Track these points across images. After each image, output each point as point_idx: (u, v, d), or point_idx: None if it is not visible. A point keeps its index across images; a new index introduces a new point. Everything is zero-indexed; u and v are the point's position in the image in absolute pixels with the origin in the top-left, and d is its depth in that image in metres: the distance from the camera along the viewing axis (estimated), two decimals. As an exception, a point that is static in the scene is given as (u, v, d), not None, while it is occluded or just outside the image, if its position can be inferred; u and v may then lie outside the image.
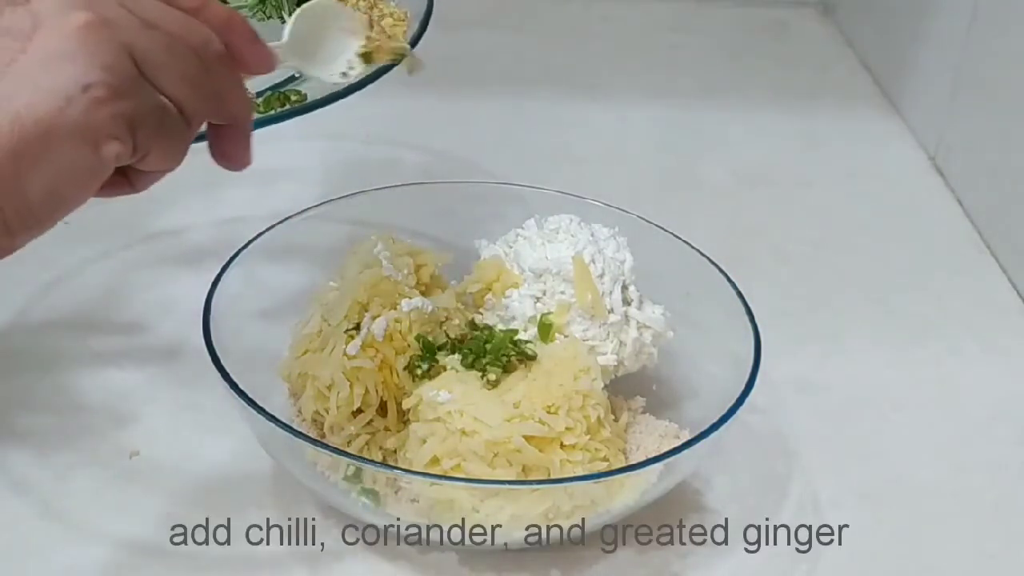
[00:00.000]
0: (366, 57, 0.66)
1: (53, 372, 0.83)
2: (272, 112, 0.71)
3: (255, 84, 0.73)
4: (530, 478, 0.68)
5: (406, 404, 0.71)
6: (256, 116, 0.70)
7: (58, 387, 0.81)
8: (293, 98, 0.73)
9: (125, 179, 0.54)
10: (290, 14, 0.76)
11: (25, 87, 0.49)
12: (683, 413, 0.77)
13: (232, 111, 0.56)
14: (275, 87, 0.75)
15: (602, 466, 0.70)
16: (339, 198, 0.83)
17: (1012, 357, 0.91)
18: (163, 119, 0.52)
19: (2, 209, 0.49)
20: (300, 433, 0.70)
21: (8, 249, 0.51)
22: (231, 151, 0.58)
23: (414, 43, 0.74)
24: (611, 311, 0.75)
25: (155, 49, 0.51)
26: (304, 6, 0.64)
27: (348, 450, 0.71)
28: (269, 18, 0.77)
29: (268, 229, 0.80)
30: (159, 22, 0.52)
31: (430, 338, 0.73)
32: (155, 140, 0.52)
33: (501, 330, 0.75)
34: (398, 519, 0.69)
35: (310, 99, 0.72)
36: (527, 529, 0.68)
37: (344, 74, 0.65)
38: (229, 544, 0.71)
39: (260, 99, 0.73)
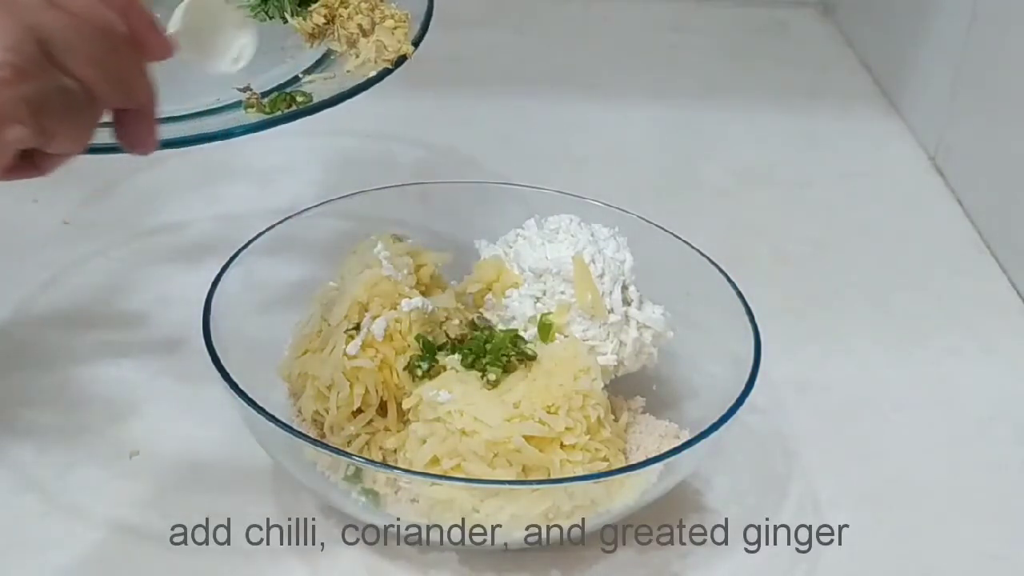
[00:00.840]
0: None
1: (53, 370, 0.83)
2: (279, 113, 0.71)
3: (260, 85, 0.74)
4: (530, 478, 0.68)
5: (406, 404, 0.71)
6: (264, 118, 0.70)
7: (58, 385, 0.81)
8: (299, 99, 0.73)
9: (30, 162, 0.53)
10: (293, 15, 0.76)
11: None
12: (683, 413, 0.77)
13: (137, 95, 0.55)
14: (280, 87, 0.75)
15: (602, 466, 0.70)
16: (339, 198, 0.83)
17: (1012, 357, 0.91)
18: (69, 101, 0.51)
19: None
20: (300, 433, 0.70)
21: None
22: (136, 135, 0.57)
23: (416, 44, 0.74)
24: (611, 311, 0.75)
25: (61, 30, 0.50)
26: (186, 4, 0.64)
27: (348, 450, 0.71)
28: (271, 18, 0.77)
29: (268, 228, 0.80)
30: (64, 2, 0.51)
31: (430, 338, 0.73)
32: (61, 123, 0.51)
33: (501, 330, 0.75)
34: (398, 519, 0.69)
35: (316, 100, 0.72)
36: (527, 529, 0.68)
37: (235, 61, 0.66)
38: (229, 544, 0.71)
39: (267, 100, 0.73)
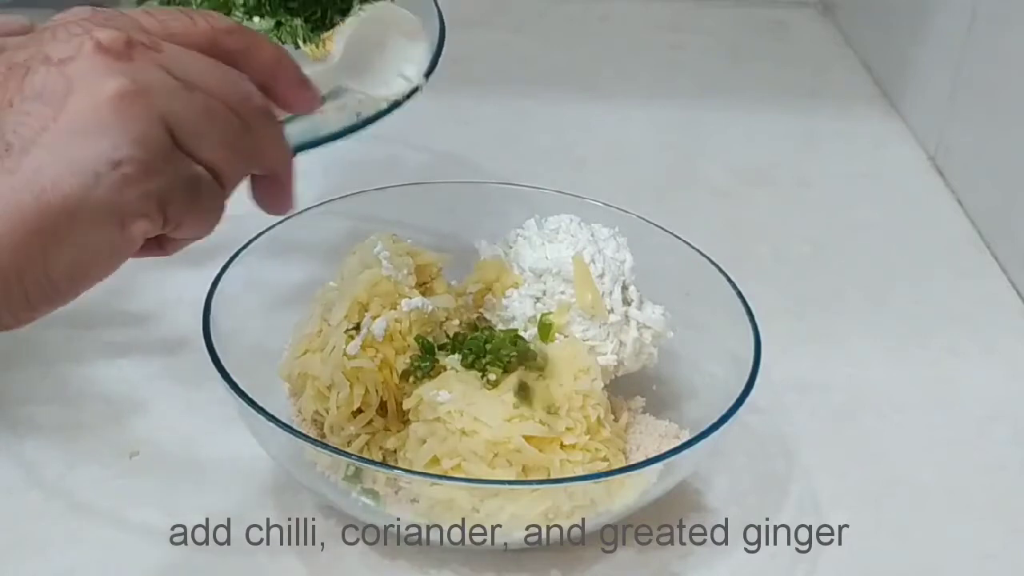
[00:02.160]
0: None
1: (53, 370, 0.83)
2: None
3: None
4: (530, 478, 0.68)
5: (406, 404, 0.71)
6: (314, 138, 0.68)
7: (58, 385, 0.81)
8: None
9: (156, 244, 0.52)
10: (305, 41, 0.75)
11: (54, 160, 0.46)
12: (683, 413, 0.77)
13: (271, 165, 0.54)
14: (290, 117, 0.75)
15: (602, 466, 0.70)
16: (339, 198, 0.83)
17: (1012, 357, 0.91)
18: (197, 190, 0.50)
19: (24, 283, 0.47)
20: (300, 433, 0.70)
21: (26, 320, 0.49)
22: (271, 200, 0.56)
23: (427, 75, 0.73)
24: (611, 311, 0.75)
25: (192, 115, 0.49)
26: (360, 16, 0.62)
27: (348, 450, 0.71)
28: (283, 43, 0.77)
29: (268, 229, 0.80)
30: (199, 81, 0.49)
31: (430, 338, 0.73)
32: (188, 212, 0.50)
33: (501, 330, 0.75)
34: (398, 519, 0.69)
35: (324, 133, 0.71)
36: (527, 529, 0.68)
37: (404, 79, 0.63)
38: (229, 544, 0.71)
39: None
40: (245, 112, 0.51)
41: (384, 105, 0.69)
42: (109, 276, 0.50)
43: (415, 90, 0.69)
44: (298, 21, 0.77)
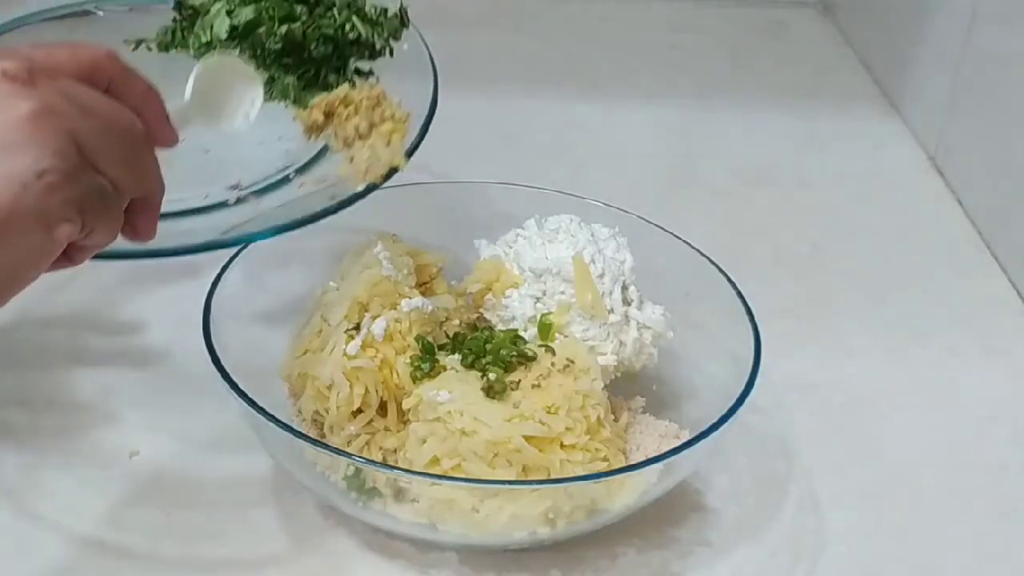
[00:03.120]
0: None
1: (53, 371, 0.83)
2: (263, 231, 0.72)
3: (252, 178, 0.74)
4: (530, 478, 0.68)
5: (406, 404, 0.71)
6: (249, 233, 0.71)
7: (59, 386, 0.81)
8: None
9: (64, 255, 0.56)
10: (295, 102, 0.77)
11: None
12: (683, 413, 0.77)
13: (150, 185, 0.59)
14: (271, 186, 0.76)
15: (602, 466, 0.70)
16: (339, 198, 0.83)
17: (1012, 357, 0.91)
18: (105, 198, 0.55)
19: None
20: (300, 433, 0.70)
21: None
22: (141, 224, 0.60)
23: (410, 154, 0.74)
24: (611, 311, 0.75)
25: (94, 134, 0.54)
26: (202, 63, 0.67)
27: (348, 450, 0.71)
28: (275, 99, 0.78)
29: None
30: (92, 107, 0.55)
31: (430, 338, 0.73)
32: (99, 218, 0.55)
33: (501, 330, 0.75)
34: (398, 519, 0.69)
35: (300, 216, 0.72)
36: (527, 529, 0.68)
37: (246, 117, 0.68)
38: (229, 544, 0.71)
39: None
40: (131, 136, 0.57)
41: (361, 187, 0.71)
42: (34, 280, 0.55)
43: (394, 170, 0.71)
44: (291, 79, 0.78)
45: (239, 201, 0.74)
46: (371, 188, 0.72)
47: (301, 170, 0.77)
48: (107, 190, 0.55)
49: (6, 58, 0.54)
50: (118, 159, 0.56)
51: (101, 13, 0.89)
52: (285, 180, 0.76)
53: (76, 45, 0.58)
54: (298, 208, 0.73)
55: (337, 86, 0.76)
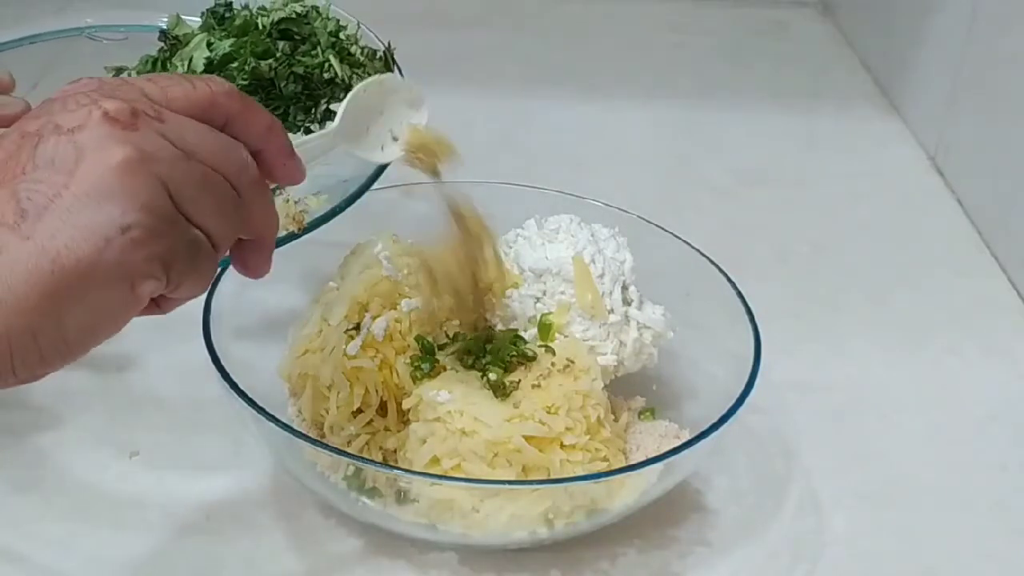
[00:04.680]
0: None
1: (49, 378, 0.82)
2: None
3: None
4: (530, 478, 0.68)
5: (406, 404, 0.71)
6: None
7: (59, 386, 0.81)
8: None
9: (154, 303, 0.55)
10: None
11: (67, 226, 0.49)
12: (683, 413, 0.77)
13: (258, 231, 0.57)
14: None
15: (602, 466, 0.70)
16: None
17: (1012, 357, 0.91)
18: (195, 253, 0.52)
19: (38, 341, 0.50)
20: (300, 433, 0.70)
21: (40, 375, 0.52)
22: (252, 263, 0.58)
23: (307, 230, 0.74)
24: (611, 311, 0.75)
25: (192, 183, 0.51)
26: (359, 86, 0.63)
27: (348, 450, 0.71)
28: None
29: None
30: (197, 149, 0.52)
31: (430, 338, 0.73)
32: (188, 273, 0.53)
33: (501, 330, 0.75)
34: (398, 519, 0.69)
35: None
36: (527, 529, 0.68)
37: (384, 146, 0.65)
38: (229, 544, 0.71)
39: None
40: (239, 181, 0.54)
41: (283, 233, 0.70)
42: (118, 332, 0.53)
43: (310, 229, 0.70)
44: None
45: None
46: (293, 235, 0.71)
47: None
48: (199, 244, 0.52)
49: (112, 96, 0.52)
50: (217, 209, 0.53)
51: (104, 39, 0.89)
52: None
53: (194, 79, 0.55)
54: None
55: (304, 125, 0.76)
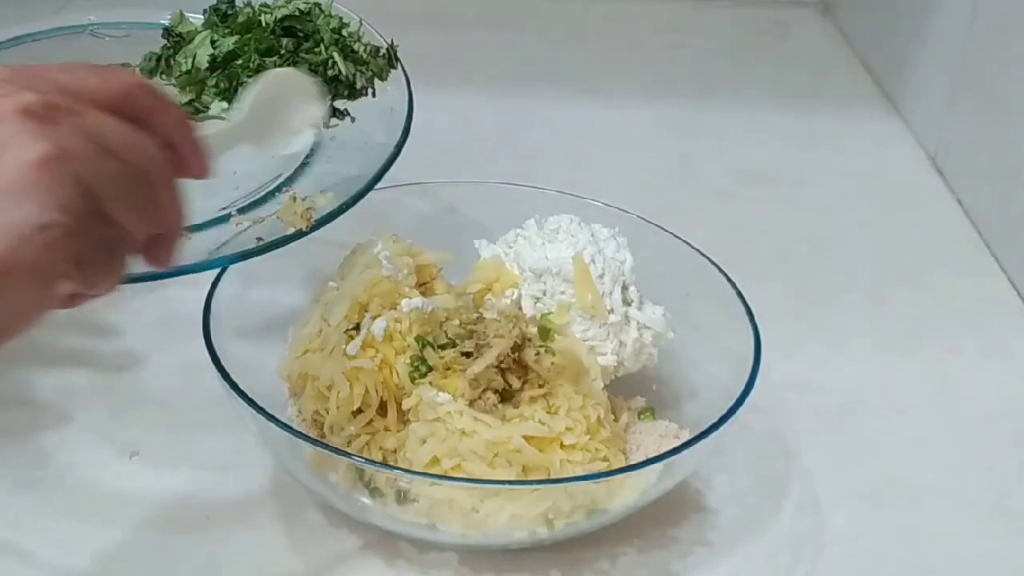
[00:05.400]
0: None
1: (53, 370, 0.83)
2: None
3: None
4: (530, 478, 0.68)
5: (406, 404, 0.71)
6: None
7: (58, 385, 0.81)
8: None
9: (67, 298, 0.53)
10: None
11: None
12: (683, 413, 0.77)
13: (169, 223, 0.56)
14: (209, 223, 0.74)
15: (602, 466, 0.70)
16: (339, 198, 0.83)
17: (1012, 357, 0.91)
18: (110, 252, 0.52)
19: None
20: (300, 433, 0.70)
21: None
22: (160, 256, 0.57)
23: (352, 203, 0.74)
24: (611, 311, 0.75)
25: (109, 181, 0.51)
26: (260, 78, 0.64)
27: (348, 450, 0.71)
28: None
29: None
30: (114, 145, 0.51)
31: (430, 338, 0.73)
32: (101, 273, 0.52)
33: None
34: (398, 519, 0.69)
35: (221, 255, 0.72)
36: (527, 529, 0.68)
37: (284, 141, 0.65)
38: (229, 544, 0.71)
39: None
40: (153, 177, 0.53)
41: (291, 230, 0.71)
42: (28, 330, 0.51)
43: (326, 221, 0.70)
44: None
45: None
46: (301, 233, 0.71)
47: (244, 210, 0.74)
48: (114, 242, 0.52)
49: (28, 87, 0.50)
50: (133, 205, 0.52)
51: (107, 36, 0.89)
52: (224, 218, 0.75)
53: (107, 72, 0.54)
54: (228, 247, 0.71)
55: None
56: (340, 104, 0.80)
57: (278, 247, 0.71)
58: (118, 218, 0.52)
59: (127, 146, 0.52)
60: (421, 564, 0.71)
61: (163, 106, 0.55)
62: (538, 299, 0.76)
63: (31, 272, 0.48)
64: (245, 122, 0.63)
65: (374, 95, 0.81)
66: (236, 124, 0.63)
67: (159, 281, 0.66)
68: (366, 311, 0.74)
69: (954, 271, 1.00)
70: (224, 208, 0.74)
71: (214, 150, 0.58)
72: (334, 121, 0.78)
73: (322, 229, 0.76)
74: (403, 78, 0.82)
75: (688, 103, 1.21)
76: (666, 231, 0.83)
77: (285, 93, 0.65)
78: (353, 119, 0.80)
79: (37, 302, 0.50)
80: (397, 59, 0.82)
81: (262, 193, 0.76)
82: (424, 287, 0.77)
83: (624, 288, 0.76)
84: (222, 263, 0.72)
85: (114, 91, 0.53)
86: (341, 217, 0.74)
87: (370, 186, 0.74)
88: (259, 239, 0.71)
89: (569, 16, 1.36)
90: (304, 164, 0.78)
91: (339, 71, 0.79)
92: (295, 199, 0.72)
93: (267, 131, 0.64)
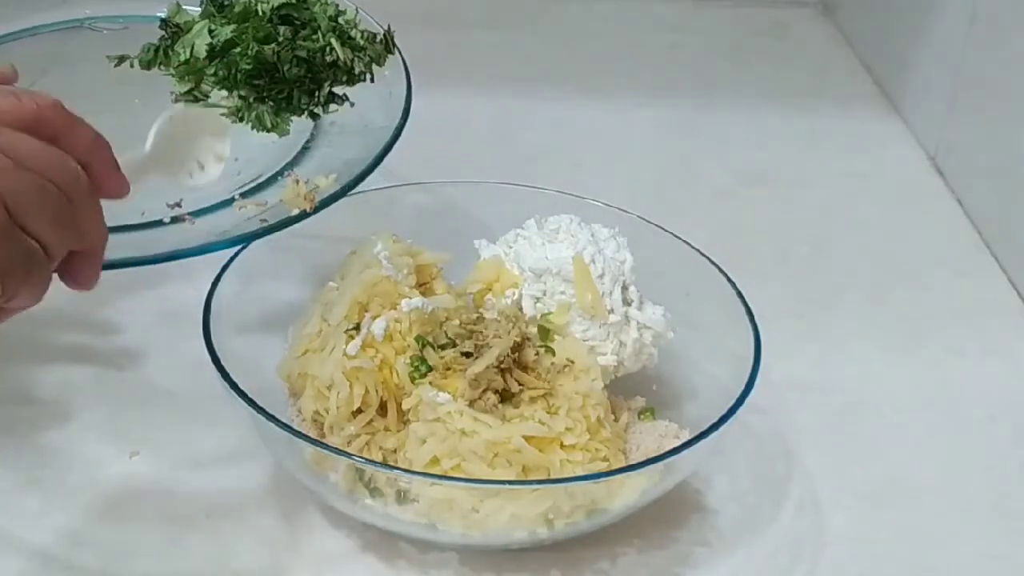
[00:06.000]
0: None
1: (54, 369, 0.83)
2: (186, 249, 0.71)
3: (195, 201, 0.73)
4: (530, 478, 0.68)
5: (406, 404, 0.71)
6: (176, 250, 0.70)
7: (58, 385, 0.81)
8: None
9: None
10: (271, 128, 0.76)
11: None
12: (683, 413, 0.77)
13: (91, 240, 0.56)
14: (211, 208, 0.74)
15: (602, 466, 0.70)
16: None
17: (1012, 357, 0.91)
18: (31, 263, 0.52)
19: None
20: (300, 433, 0.70)
21: None
22: (80, 274, 0.57)
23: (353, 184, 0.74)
24: (611, 311, 0.75)
25: (27, 193, 0.51)
26: (168, 113, 0.65)
27: (348, 450, 0.71)
28: (248, 126, 0.77)
29: (269, 229, 0.79)
30: (30, 161, 0.52)
31: (430, 338, 0.73)
32: (23, 284, 0.52)
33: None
34: (398, 519, 0.69)
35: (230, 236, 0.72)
36: (527, 529, 0.68)
37: (205, 173, 0.67)
38: (229, 544, 0.71)
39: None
40: (72, 191, 0.54)
41: (295, 211, 0.71)
42: None
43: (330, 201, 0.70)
44: (264, 107, 0.77)
45: (174, 220, 0.73)
46: (303, 215, 0.71)
47: (247, 194, 0.75)
48: (35, 254, 0.52)
49: None
50: (51, 219, 0.53)
51: (104, 30, 0.89)
52: (228, 202, 0.75)
53: (21, 93, 0.55)
54: (233, 233, 0.71)
55: (310, 109, 0.76)
56: (339, 90, 0.80)
57: (282, 228, 0.71)
58: (37, 231, 0.52)
59: (43, 160, 0.53)
60: (421, 564, 0.71)
61: (76, 125, 0.56)
62: (538, 299, 0.76)
63: None
64: (150, 155, 0.64)
65: (372, 80, 0.82)
66: (141, 156, 0.64)
67: (178, 261, 0.67)
68: (366, 311, 0.74)
69: (954, 271, 1.00)
70: (180, 207, 0.74)
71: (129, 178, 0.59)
72: (333, 107, 0.78)
73: (322, 229, 0.76)
74: (401, 63, 0.82)
75: (688, 103, 1.21)
76: (666, 231, 0.83)
77: (190, 129, 0.66)
78: (352, 104, 0.81)
79: None
80: (394, 44, 0.83)
81: (264, 177, 0.76)
82: (424, 287, 0.77)
83: (624, 288, 0.76)
84: (230, 244, 0.72)
85: (27, 112, 0.54)
86: (341, 216, 0.74)
87: (371, 167, 0.75)
88: (263, 221, 0.71)
89: (569, 16, 1.35)
90: (305, 148, 0.78)
91: (337, 57, 0.79)
92: (298, 182, 0.73)
93: (174, 163, 0.66)
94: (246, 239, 0.72)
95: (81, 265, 0.57)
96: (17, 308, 0.54)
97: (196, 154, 0.66)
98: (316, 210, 0.71)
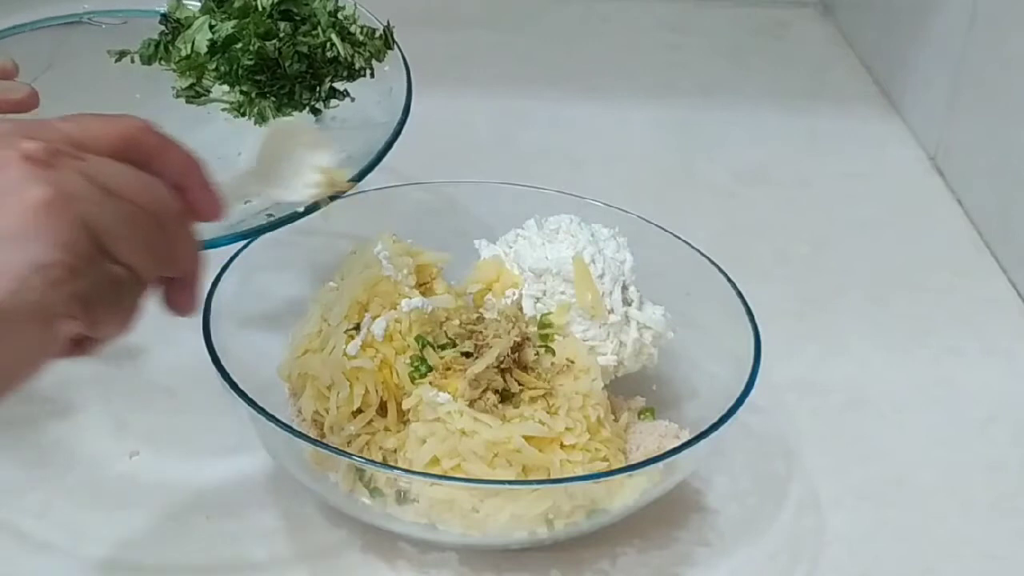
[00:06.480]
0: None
1: (54, 369, 0.82)
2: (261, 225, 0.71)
3: None
4: (530, 478, 0.68)
5: (406, 404, 0.71)
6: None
7: (57, 384, 0.81)
8: None
9: (78, 346, 0.53)
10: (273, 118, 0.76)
11: None
12: (683, 413, 0.77)
13: (183, 267, 0.55)
14: None
15: (602, 466, 0.70)
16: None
17: (1012, 357, 0.91)
18: (119, 290, 0.52)
19: None
20: (300, 433, 0.70)
21: None
22: (178, 301, 0.57)
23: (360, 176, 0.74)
24: (611, 311, 0.75)
25: (114, 221, 0.51)
26: (269, 129, 0.65)
27: (348, 450, 0.71)
28: (251, 120, 0.77)
29: (268, 229, 0.80)
30: (118, 188, 0.51)
31: (430, 338, 0.73)
32: (109, 312, 0.52)
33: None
34: (398, 519, 0.69)
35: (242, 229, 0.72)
36: (527, 529, 0.68)
37: (307, 187, 0.65)
38: (229, 544, 0.71)
39: None
40: (163, 217, 0.53)
41: (301, 208, 0.70)
42: (36, 374, 0.51)
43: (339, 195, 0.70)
44: (266, 102, 0.77)
45: None
46: (313, 208, 0.71)
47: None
48: (122, 282, 0.51)
49: (30, 136, 0.50)
50: (141, 246, 0.52)
51: (104, 24, 0.89)
52: None
53: (110, 117, 0.54)
54: (237, 224, 0.71)
55: (311, 104, 0.76)
56: (340, 85, 0.80)
57: (289, 223, 0.71)
58: (126, 258, 0.51)
59: (132, 186, 0.52)
60: (421, 564, 0.71)
61: (169, 146, 0.55)
62: (538, 299, 0.76)
63: (32, 312, 0.48)
64: (255, 170, 0.63)
65: (372, 75, 0.82)
66: (246, 172, 0.63)
67: None
68: (366, 311, 0.74)
69: (954, 271, 1.00)
70: None
71: (227, 198, 0.58)
72: (334, 102, 0.78)
73: (322, 226, 0.76)
74: (400, 59, 0.82)
75: (688, 103, 1.21)
76: (666, 231, 0.83)
77: (292, 142, 0.65)
78: (353, 99, 0.81)
79: (41, 345, 0.50)
80: (394, 40, 0.83)
81: None
82: (424, 287, 0.77)
83: (624, 288, 0.76)
84: (238, 238, 0.72)
85: (118, 135, 0.53)
86: (342, 215, 0.74)
87: (376, 162, 0.75)
88: (269, 215, 0.71)
89: (569, 16, 1.35)
90: None
91: (338, 52, 0.79)
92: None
93: (276, 178, 0.64)
94: (254, 233, 0.71)
95: (177, 292, 0.56)
96: (106, 337, 0.54)
97: (296, 168, 0.65)
98: (328, 202, 0.71)
